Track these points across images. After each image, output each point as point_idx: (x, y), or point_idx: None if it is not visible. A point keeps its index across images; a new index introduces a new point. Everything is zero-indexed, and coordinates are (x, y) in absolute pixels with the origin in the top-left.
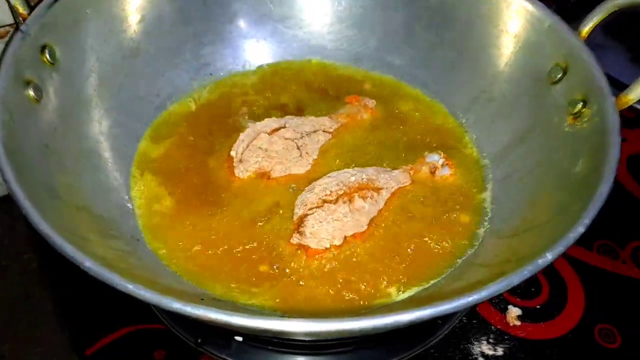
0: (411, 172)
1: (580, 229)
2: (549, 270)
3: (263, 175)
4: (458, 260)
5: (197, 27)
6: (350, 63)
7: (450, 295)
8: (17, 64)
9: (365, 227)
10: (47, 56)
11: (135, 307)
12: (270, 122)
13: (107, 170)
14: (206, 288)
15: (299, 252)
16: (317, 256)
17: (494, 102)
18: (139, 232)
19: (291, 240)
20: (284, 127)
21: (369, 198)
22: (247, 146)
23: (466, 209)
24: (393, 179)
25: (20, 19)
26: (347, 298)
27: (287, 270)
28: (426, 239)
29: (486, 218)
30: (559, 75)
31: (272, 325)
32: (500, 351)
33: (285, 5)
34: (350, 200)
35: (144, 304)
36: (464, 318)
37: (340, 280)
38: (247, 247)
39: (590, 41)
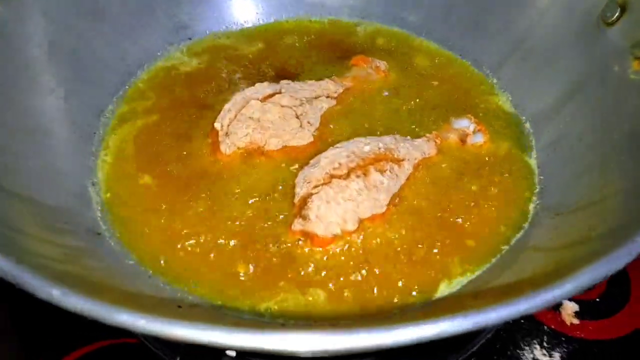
0: (437, 140)
1: None
2: None
3: (255, 151)
4: (504, 246)
5: None
6: (356, 20)
7: (499, 295)
8: None
9: (385, 208)
10: None
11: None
12: (263, 88)
13: (60, 151)
14: (187, 291)
15: (302, 241)
16: (325, 246)
17: (533, 54)
18: (99, 224)
19: (292, 227)
20: (280, 92)
21: (387, 171)
22: (235, 116)
23: (507, 182)
24: (416, 149)
25: None
26: (366, 298)
27: (288, 266)
28: (461, 220)
29: (534, 192)
30: (615, 14)
31: (265, 342)
32: (557, 357)
33: None
34: (365, 175)
35: None
36: None
37: (357, 276)
38: (238, 239)
39: None
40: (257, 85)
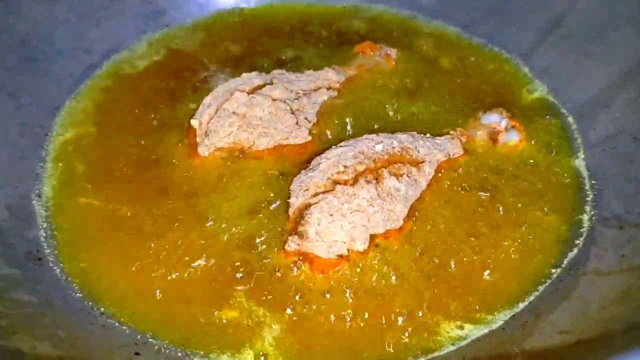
0: (462, 138)
1: None
2: None
3: (239, 153)
4: (553, 270)
5: None
6: (359, 1)
7: None
8: None
9: (402, 221)
10: None
11: None
12: (250, 78)
13: (2, 156)
14: (147, 334)
15: (298, 265)
16: (327, 271)
17: (572, 38)
18: (42, 247)
19: (286, 247)
20: (271, 83)
21: (404, 176)
22: (216, 112)
23: (552, 189)
24: (438, 149)
25: None
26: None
27: (281, 299)
28: (499, 236)
29: (587, 200)
30: None
31: None
32: None
33: None
34: (378, 180)
35: None
36: None
37: (368, 312)
38: (217, 264)
39: None
40: (244, 75)
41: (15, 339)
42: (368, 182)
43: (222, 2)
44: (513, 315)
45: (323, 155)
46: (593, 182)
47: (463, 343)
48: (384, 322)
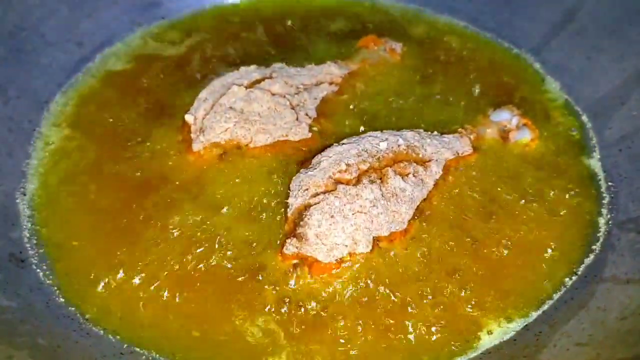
0: (472, 136)
1: None
2: None
3: (236, 150)
4: (568, 278)
5: None
6: None
7: None
8: None
9: (407, 223)
10: None
11: None
12: (249, 71)
13: None
14: (132, 343)
15: (297, 270)
16: (328, 274)
17: (586, 33)
18: (25, 249)
19: (284, 250)
20: (270, 77)
21: (410, 175)
22: (212, 107)
23: (565, 190)
24: (446, 147)
25: None
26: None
27: (276, 306)
28: (509, 241)
29: (603, 202)
30: None
31: None
32: None
33: None
34: (382, 179)
35: None
36: None
37: (369, 322)
38: (209, 269)
39: None
40: (242, 68)
41: None
42: (372, 181)
43: None
44: (526, 325)
45: (324, 153)
46: (609, 183)
47: (472, 355)
48: (387, 333)
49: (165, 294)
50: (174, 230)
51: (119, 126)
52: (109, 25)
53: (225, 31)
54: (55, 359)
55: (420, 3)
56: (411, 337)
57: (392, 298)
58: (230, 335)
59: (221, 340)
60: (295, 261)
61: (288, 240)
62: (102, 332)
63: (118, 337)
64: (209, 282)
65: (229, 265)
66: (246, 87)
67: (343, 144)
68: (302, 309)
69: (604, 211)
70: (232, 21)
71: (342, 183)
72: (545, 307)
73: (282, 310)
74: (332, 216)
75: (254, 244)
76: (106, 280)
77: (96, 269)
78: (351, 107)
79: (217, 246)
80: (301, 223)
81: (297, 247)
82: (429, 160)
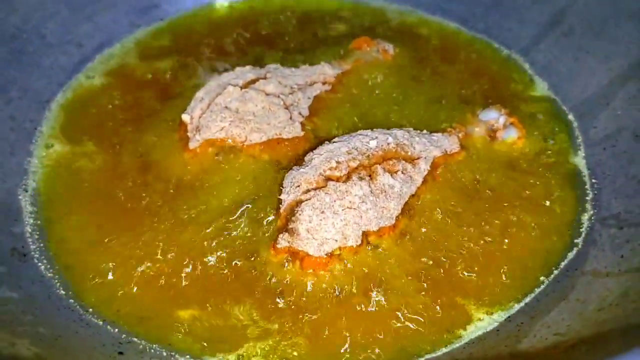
0: (460, 135)
1: None
2: None
3: (231, 148)
4: (554, 269)
5: None
6: None
7: None
8: None
9: (396, 219)
10: None
11: None
12: (244, 72)
13: None
14: (132, 333)
15: (288, 264)
16: (318, 269)
17: (574, 33)
18: (27, 243)
19: (276, 245)
20: (264, 78)
21: (399, 172)
22: (208, 106)
23: (551, 187)
24: (434, 145)
25: None
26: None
27: (270, 298)
28: (494, 235)
29: (587, 199)
30: None
31: None
32: None
33: None
34: (371, 176)
35: None
36: None
37: (358, 314)
38: (205, 262)
39: None
40: (237, 69)
41: None
42: (361, 178)
43: None
44: (508, 317)
45: (316, 151)
46: (593, 180)
47: (456, 345)
48: (372, 324)
49: (162, 286)
50: (170, 226)
51: (118, 125)
52: (108, 27)
53: (221, 32)
54: (56, 348)
55: (412, 4)
56: (396, 328)
57: (380, 290)
58: (225, 324)
59: (215, 329)
60: (287, 255)
61: (280, 235)
62: (101, 322)
63: (116, 327)
64: (204, 275)
65: (224, 259)
66: (241, 88)
67: (334, 142)
68: (292, 301)
69: (588, 207)
70: (228, 22)
71: (332, 180)
72: (527, 299)
73: (274, 302)
74: (322, 212)
75: (248, 238)
76: (105, 273)
77: (95, 263)
78: (343, 106)
79: (212, 241)
80: (293, 218)
81: (289, 242)
82: (418, 158)
